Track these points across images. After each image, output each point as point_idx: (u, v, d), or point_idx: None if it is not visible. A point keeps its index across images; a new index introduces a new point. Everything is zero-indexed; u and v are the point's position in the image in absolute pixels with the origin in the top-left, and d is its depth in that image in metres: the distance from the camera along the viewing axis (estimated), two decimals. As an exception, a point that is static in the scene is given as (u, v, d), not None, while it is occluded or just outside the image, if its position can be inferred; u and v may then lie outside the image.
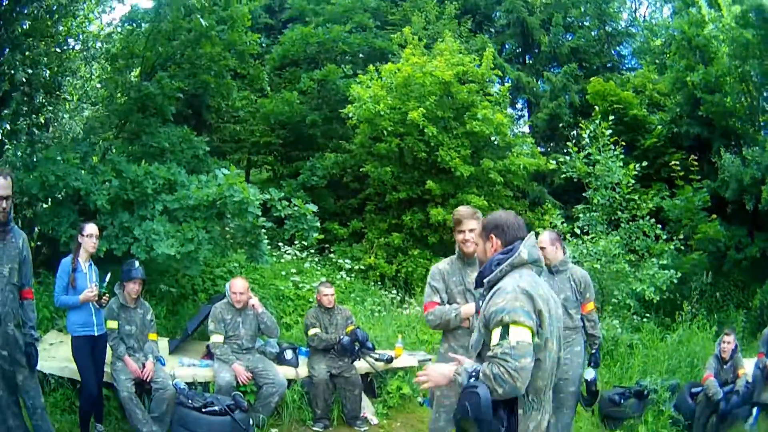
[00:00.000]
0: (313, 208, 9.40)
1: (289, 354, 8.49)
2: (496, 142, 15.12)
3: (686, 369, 10.32)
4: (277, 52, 17.99)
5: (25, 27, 10.23)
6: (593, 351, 6.99)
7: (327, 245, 14.85)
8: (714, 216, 14.60)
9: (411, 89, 14.65)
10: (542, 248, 6.51)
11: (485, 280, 3.69)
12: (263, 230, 9.54)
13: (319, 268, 13.58)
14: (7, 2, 9.84)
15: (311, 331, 8.41)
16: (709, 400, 8.34)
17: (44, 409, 5.95)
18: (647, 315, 12.22)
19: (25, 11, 10.15)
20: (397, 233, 14.82)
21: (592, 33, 20.35)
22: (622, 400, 8.76)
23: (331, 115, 17.23)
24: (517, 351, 3.20)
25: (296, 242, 13.50)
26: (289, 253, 13.72)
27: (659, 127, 16.97)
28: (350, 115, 14.86)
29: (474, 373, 3.36)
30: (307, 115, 16.80)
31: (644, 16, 25.02)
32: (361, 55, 18.84)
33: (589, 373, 6.92)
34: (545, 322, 3.48)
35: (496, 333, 3.33)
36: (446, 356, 5.32)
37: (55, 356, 7.39)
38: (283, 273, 12.57)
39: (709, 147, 16.54)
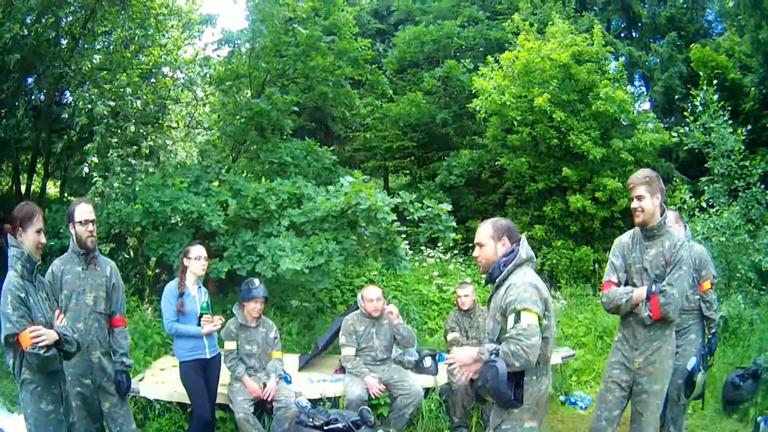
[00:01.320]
0: (447, 207, 8.96)
1: (428, 362, 8.02)
2: (623, 121, 14.50)
3: None
4: (393, 56, 17.94)
5: (95, 62, 10.40)
6: (709, 335, 6.56)
7: (471, 245, 14.30)
8: None
9: (532, 76, 14.26)
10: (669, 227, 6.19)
11: (497, 279, 4.39)
12: (399, 235, 9.23)
13: (464, 269, 13.22)
14: (65, 40, 10.01)
15: (450, 336, 8.01)
16: None
17: None
18: (763, 288, 11.15)
19: (97, 47, 10.29)
20: (539, 225, 14.33)
21: (680, 0, 19.34)
22: (742, 383, 7.93)
23: (461, 111, 16.97)
24: (528, 332, 3.97)
25: (440, 244, 13.14)
26: (432, 256, 13.44)
27: (753, 89, 15.85)
28: (478, 108, 14.55)
29: (495, 352, 4.08)
30: (436, 114, 16.62)
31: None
32: (480, 49, 18.48)
33: (691, 362, 6.25)
34: (549, 307, 4.24)
35: (511, 319, 4.07)
36: (618, 346, 5.36)
37: (165, 381, 7.26)
38: (426, 277, 12.29)
39: None
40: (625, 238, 5.29)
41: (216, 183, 9.65)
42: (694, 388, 6.27)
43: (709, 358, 6.61)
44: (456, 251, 13.73)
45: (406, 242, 11.77)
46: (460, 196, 15.51)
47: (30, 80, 10.96)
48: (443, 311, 11.29)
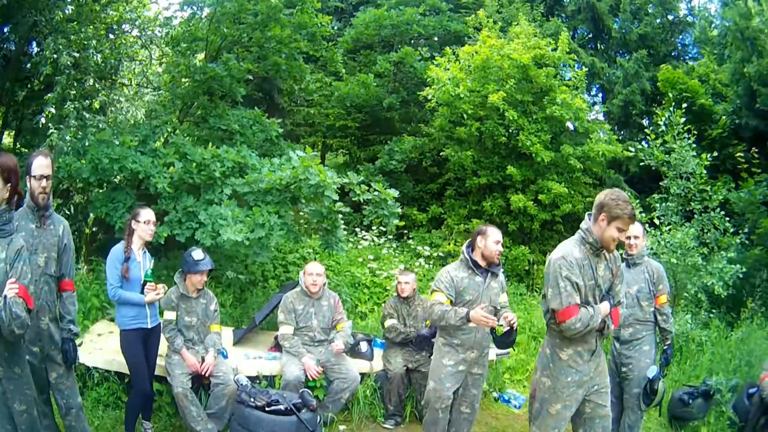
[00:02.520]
0: (395, 193, 8.86)
1: (363, 346, 7.96)
2: (574, 128, 14.57)
3: (745, 368, 9.64)
4: (350, 35, 17.73)
5: (67, 12, 10.10)
6: (665, 347, 6.72)
7: (405, 231, 14.45)
8: None
9: (489, 72, 14.23)
10: (636, 237, 6.57)
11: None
12: (340, 215, 9.07)
13: (397, 254, 13.18)
14: None
15: (388, 323, 7.92)
16: (762, 401, 7.71)
17: (81, 408, 5.47)
18: (713, 311, 11.59)
19: None
20: (477, 219, 14.26)
21: (657, 20, 19.70)
22: (691, 401, 8.16)
23: (409, 98, 16.94)
24: None
25: (374, 228, 13.12)
26: (366, 239, 13.40)
27: (724, 117, 16.22)
28: (429, 97, 14.55)
29: None
30: (384, 98, 16.46)
31: (698, 6, 24.28)
32: (436, 39, 18.57)
33: (652, 371, 6.41)
34: None
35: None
36: (570, 364, 4.94)
37: (103, 348, 7.02)
38: (360, 259, 12.21)
39: (766, 140, 15.60)
40: (577, 254, 4.84)
41: (159, 143, 9.36)
42: (655, 396, 6.42)
43: (665, 368, 6.79)
44: (390, 236, 13.65)
45: (343, 223, 11.71)
46: (399, 182, 15.37)
47: (6, 29, 10.53)
48: (374, 295, 11.28)
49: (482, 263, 6.08)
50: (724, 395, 8.26)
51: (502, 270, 6.34)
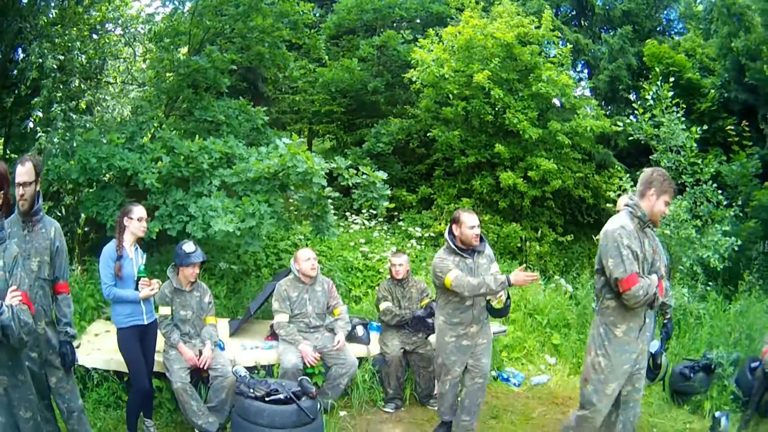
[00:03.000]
0: (383, 175, 8.82)
1: (360, 330, 8.02)
2: (560, 105, 14.64)
3: (746, 342, 9.66)
4: (332, 21, 17.68)
5: (51, 16, 10.11)
6: (665, 321, 6.64)
7: (395, 213, 14.44)
8: (767, 183, 13.88)
9: (473, 52, 14.23)
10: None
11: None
12: (329, 201, 9.11)
13: (388, 236, 13.18)
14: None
15: (383, 305, 7.96)
16: (765, 375, 7.77)
17: (83, 411, 5.50)
18: (710, 283, 11.67)
19: (51, 3, 9.99)
20: (466, 198, 14.36)
21: None
22: (692, 375, 8.17)
23: (393, 81, 16.87)
24: None
25: (364, 211, 13.15)
26: (357, 223, 13.40)
27: (712, 91, 16.28)
28: (414, 79, 14.47)
29: None
30: (369, 82, 16.45)
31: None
32: (418, 21, 18.47)
33: (654, 345, 6.36)
34: None
35: None
36: (626, 339, 5.18)
37: (101, 348, 7.04)
38: (352, 243, 12.22)
39: (756, 113, 15.79)
40: (629, 226, 5.05)
41: (146, 139, 9.36)
42: (659, 370, 6.42)
43: (666, 342, 6.72)
44: (381, 219, 13.63)
45: (333, 208, 11.74)
46: (387, 164, 15.34)
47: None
48: (367, 279, 11.29)
49: (464, 246, 6.23)
50: (726, 369, 8.24)
51: (486, 243, 6.47)
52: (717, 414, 7.23)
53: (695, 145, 11.50)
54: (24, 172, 4.90)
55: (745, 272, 11.99)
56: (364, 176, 8.69)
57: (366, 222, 13.48)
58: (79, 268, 9.03)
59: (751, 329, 9.83)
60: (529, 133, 13.43)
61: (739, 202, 11.90)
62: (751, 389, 7.89)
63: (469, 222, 6.17)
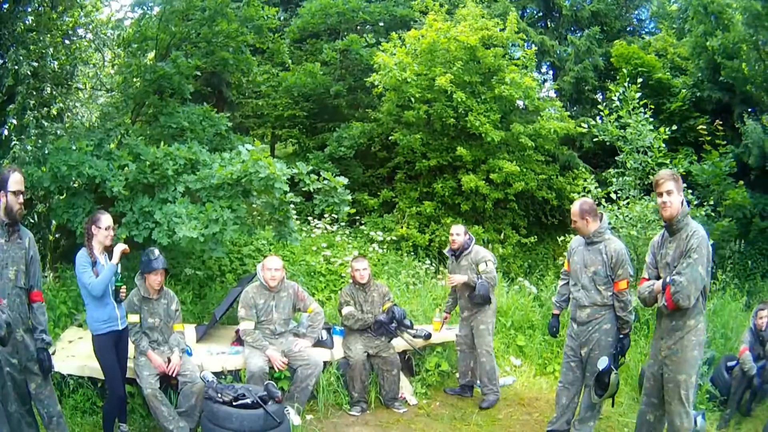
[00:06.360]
0: (344, 181, 8.97)
1: (323, 334, 8.12)
2: (524, 107, 14.88)
3: (720, 341, 9.95)
4: (296, 25, 17.68)
5: (27, 23, 10.12)
6: (621, 336, 6.36)
7: (357, 217, 14.60)
8: (741, 182, 14.20)
9: (436, 55, 14.40)
10: (573, 222, 6.62)
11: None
12: (291, 206, 9.21)
13: (350, 241, 13.33)
14: (7, 4, 9.69)
15: (345, 310, 8.10)
16: (744, 374, 8.12)
17: (61, 416, 5.63)
18: None
19: (28, 9, 9.99)
20: (428, 202, 14.50)
21: None
22: None
23: (356, 84, 17.06)
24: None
25: (326, 216, 13.28)
26: (318, 227, 13.51)
27: (683, 90, 16.59)
28: (376, 83, 14.61)
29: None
30: (331, 86, 16.58)
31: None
32: (381, 24, 18.59)
33: (602, 362, 6.15)
34: None
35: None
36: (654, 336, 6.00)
37: (75, 355, 7.11)
38: (314, 248, 12.33)
39: (731, 112, 16.16)
40: (656, 237, 5.76)
41: (113, 145, 9.40)
42: (607, 389, 6.19)
43: (620, 358, 6.41)
44: (343, 223, 13.79)
45: (295, 213, 11.83)
46: (349, 168, 15.57)
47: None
48: (330, 283, 11.43)
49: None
50: (700, 368, 8.10)
51: (467, 251, 8.35)
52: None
53: (663, 145, 11.65)
54: (18, 180, 5.12)
55: (718, 271, 12.20)
56: (326, 182, 8.84)
57: (328, 226, 13.59)
58: (52, 275, 9.05)
59: (726, 328, 10.15)
60: (492, 135, 13.61)
61: (711, 202, 12.11)
62: (728, 388, 8.20)
63: (451, 229, 8.61)
